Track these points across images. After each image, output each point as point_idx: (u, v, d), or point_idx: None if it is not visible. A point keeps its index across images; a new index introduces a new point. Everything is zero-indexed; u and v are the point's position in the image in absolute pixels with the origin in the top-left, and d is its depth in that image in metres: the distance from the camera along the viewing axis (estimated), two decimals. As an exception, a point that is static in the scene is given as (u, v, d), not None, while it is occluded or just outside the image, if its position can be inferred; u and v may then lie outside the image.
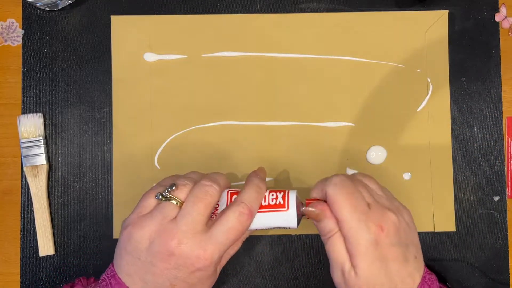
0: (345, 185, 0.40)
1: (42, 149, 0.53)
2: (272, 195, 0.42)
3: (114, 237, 0.53)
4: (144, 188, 0.52)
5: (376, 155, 0.53)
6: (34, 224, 0.52)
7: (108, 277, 0.40)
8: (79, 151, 0.53)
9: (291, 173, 0.53)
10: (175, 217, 0.39)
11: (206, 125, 0.54)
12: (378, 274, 0.38)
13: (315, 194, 0.42)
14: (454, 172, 0.53)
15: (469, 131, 0.54)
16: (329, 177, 0.42)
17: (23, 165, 0.53)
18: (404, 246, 0.40)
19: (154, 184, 0.45)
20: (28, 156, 0.52)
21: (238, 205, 0.39)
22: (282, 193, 0.42)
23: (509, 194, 0.53)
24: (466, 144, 0.54)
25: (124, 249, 0.40)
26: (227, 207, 0.40)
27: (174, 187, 0.40)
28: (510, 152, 0.54)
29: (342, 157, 0.53)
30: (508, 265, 0.53)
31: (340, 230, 0.39)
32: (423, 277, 0.40)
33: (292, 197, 0.41)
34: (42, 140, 0.53)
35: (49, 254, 0.52)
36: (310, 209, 0.40)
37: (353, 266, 0.39)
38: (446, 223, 0.53)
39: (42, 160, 0.52)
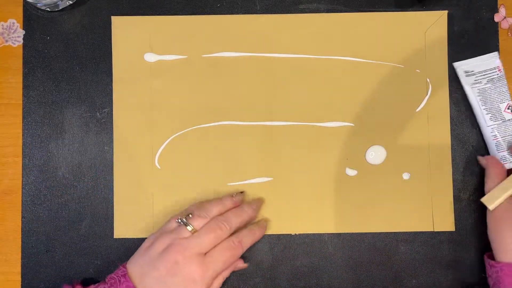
0: None
1: None
2: None
3: (114, 237, 0.53)
4: (144, 188, 0.53)
5: (376, 155, 0.53)
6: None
7: (118, 276, 0.45)
8: (79, 151, 0.53)
9: (291, 173, 0.53)
10: (187, 237, 0.46)
11: (206, 125, 0.54)
12: None
13: None
14: (453, 172, 0.54)
15: (468, 131, 0.54)
16: None
17: None
18: None
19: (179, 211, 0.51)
20: None
21: (230, 241, 0.47)
22: None
23: (508, 194, 0.53)
24: (465, 144, 0.54)
25: (143, 251, 0.47)
26: (225, 239, 0.48)
27: (191, 215, 0.47)
28: (509, 152, 0.54)
29: (342, 157, 0.53)
30: (507, 265, 0.53)
31: None
32: None
33: None
34: None
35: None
36: None
37: None
38: (445, 222, 0.53)
39: None
